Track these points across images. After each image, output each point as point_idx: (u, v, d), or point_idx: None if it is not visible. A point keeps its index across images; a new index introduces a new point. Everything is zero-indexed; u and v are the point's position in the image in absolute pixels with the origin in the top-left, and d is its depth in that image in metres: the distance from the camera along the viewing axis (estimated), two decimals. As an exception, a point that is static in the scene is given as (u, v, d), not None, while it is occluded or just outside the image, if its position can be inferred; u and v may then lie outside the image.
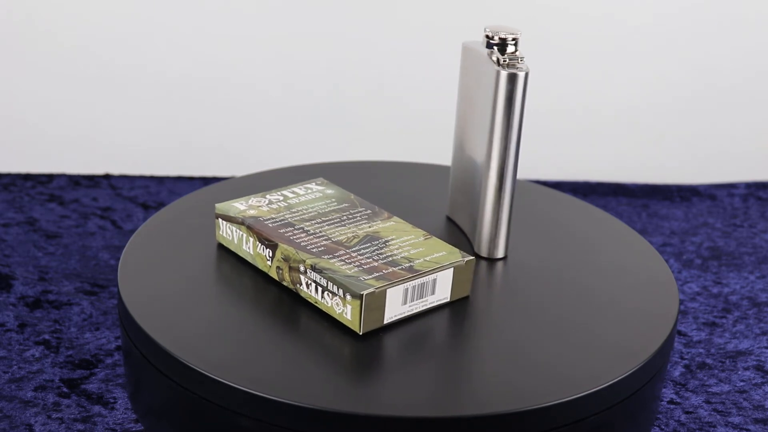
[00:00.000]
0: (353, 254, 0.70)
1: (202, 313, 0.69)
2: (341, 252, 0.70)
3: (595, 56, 1.28)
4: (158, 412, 0.69)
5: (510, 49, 0.73)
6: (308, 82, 1.26)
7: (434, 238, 0.73)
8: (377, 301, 0.66)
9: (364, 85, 1.27)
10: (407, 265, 0.69)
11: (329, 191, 0.81)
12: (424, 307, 0.70)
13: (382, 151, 1.26)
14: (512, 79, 0.72)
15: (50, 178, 1.24)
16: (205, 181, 1.26)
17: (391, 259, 0.70)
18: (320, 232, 0.74)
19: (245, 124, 1.28)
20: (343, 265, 0.68)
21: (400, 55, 1.26)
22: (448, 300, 0.71)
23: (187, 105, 1.26)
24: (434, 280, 0.69)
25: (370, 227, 0.75)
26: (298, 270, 0.70)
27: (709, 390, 0.85)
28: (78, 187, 1.22)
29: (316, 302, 0.69)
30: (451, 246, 0.72)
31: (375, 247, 0.71)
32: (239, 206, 0.78)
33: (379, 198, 0.88)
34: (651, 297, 0.75)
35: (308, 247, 0.71)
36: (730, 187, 1.32)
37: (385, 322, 0.67)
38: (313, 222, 0.75)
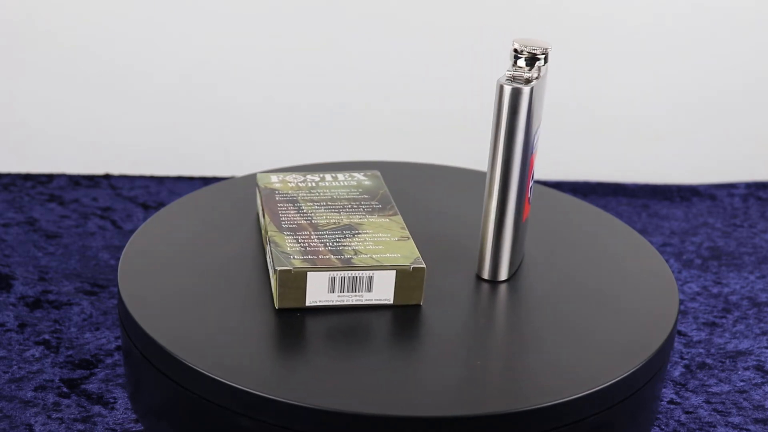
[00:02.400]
0: (313, 236, 0.72)
1: (202, 313, 0.69)
2: (305, 233, 0.73)
3: (595, 56, 1.28)
4: (158, 412, 0.69)
5: (540, 62, 0.71)
6: (308, 82, 1.26)
7: (410, 241, 0.72)
8: (295, 281, 0.68)
9: (364, 85, 1.27)
10: (348, 257, 0.69)
11: (366, 183, 0.83)
12: (359, 303, 0.69)
13: (383, 151, 1.26)
14: (515, 94, 0.70)
15: (50, 178, 1.24)
16: (205, 181, 1.26)
17: (340, 248, 0.71)
18: (310, 212, 0.76)
19: (245, 125, 1.28)
20: (292, 243, 0.71)
21: (401, 55, 1.26)
22: (391, 302, 0.70)
23: (188, 105, 1.26)
24: (370, 278, 0.69)
25: (359, 218, 0.76)
26: (266, 241, 0.74)
27: (709, 390, 0.85)
28: (78, 187, 1.22)
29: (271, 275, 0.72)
30: (416, 251, 0.71)
31: (341, 236, 0.72)
32: (273, 178, 0.82)
33: (428, 204, 0.86)
34: (651, 297, 0.75)
35: (282, 223, 0.74)
36: (730, 187, 1.32)
37: (307, 304, 0.69)
38: (314, 203, 0.78)
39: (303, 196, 0.79)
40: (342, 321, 0.68)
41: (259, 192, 0.81)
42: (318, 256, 0.69)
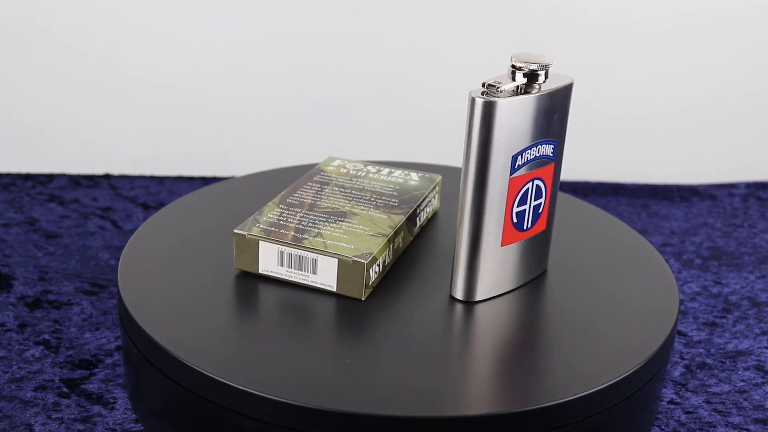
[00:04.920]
0: (299, 214, 0.75)
1: (202, 313, 0.69)
2: (297, 209, 0.76)
3: (595, 56, 1.28)
4: (158, 412, 0.69)
5: (541, 78, 0.68)
6: (308, 82, 1.26)
7: (382, 239, 0.73)
8: (248, 246, 0.72)
9: (364, 84, 1.27)
10: (305, 237, 0.72)
11: (412, 182, 0.84)
12: (305, 282, 0.72)
13: (382, 151, 1.26)
14: (488, 107, 0.65)
15: (50, 178, 1.24)
16: (205, 181, 1.26)
17: (309, 228, 0.73)
18: (325, 195, 0.79)
19: (245, 124, 1.28)
20: (274, 215, 0.75)
21: (401, 55, 1.26)
22: (334, 290, 0.71)
23: (187, 105, 1.26)
24: (314, 260, 0.71)
25: (360, 209, 0.77)
26: None
27: (709, 390, 0.85)
28: (78, 187, 1.22)
29: None
30: (373, 249, 0.71)
31: (324, 219, 0.75)
32: (335, 162, 0.87)
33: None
34: (651, 297, 0.75)
35: (290, 198, 0.78)
36: (730, 187, 1.32)
37: (260, 271, 0.73)
38: (340, 188, 0.81)
39: (339, 182, 0.82)
40: (300, 308, 0.69)
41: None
42: (279, 230, 0.72)
